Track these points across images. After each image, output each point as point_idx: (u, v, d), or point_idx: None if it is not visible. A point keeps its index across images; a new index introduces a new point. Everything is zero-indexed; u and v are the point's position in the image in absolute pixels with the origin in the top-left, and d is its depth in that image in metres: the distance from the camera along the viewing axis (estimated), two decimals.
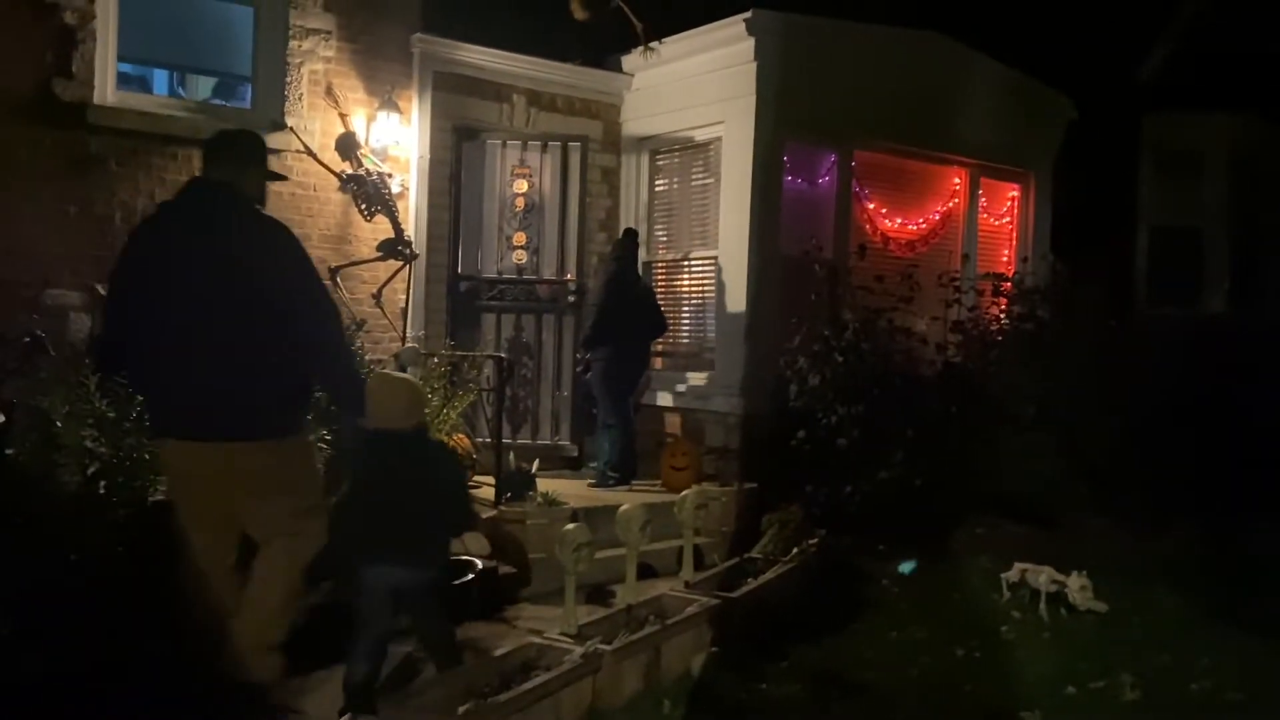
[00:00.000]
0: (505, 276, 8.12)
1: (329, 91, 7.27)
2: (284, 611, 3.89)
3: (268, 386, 3.70)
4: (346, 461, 4.31)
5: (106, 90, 6.51)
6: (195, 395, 3.63)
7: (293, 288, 3.74)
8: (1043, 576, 5.57)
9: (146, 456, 4.62)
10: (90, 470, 4.52)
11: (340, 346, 4.04)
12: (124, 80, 6.84)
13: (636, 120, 8.58)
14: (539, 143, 8.23)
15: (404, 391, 4.03)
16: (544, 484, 6.83)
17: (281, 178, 5.10)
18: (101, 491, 4.51)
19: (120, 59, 6.66)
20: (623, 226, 8.23)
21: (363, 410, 3.91)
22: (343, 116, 7.33)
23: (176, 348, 3.62)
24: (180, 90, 7.89)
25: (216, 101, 7.54)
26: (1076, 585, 5.50)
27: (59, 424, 4.49)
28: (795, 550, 5.98)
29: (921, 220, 8.87)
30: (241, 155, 3.91)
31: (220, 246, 3.65)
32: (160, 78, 7.84)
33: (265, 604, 3.84)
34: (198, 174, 3.80)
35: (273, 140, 7.01)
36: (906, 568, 5.76)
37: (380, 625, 3.92)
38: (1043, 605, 5.49)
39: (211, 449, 3.67)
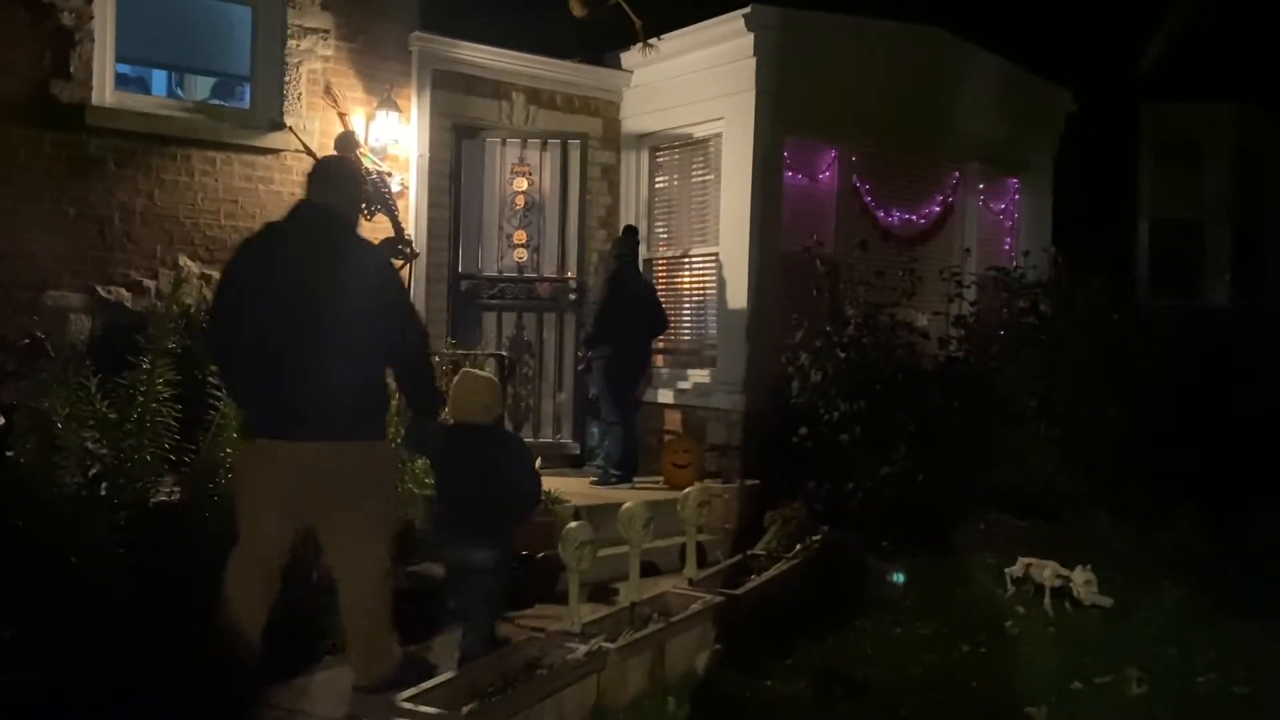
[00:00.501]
0: (506, 275, 8.11)
1: (328, 91, 7.26)
2: (379, 610, 4.09)
3: (357, 392, 3.95)
4: (430, 455, 4.65)
5: (105, 91, 6.51)
6: (292, 398, 3.85)
7: (386, 303, 4.04)
8: (1047, 571, 5.55)
9: (147, 458, 4.61)
10: (91, 472, 4.51)
11: (425, 357, 4.32)
12: (122, 81, 6.83)
13: (636, 117, 8.57)
14: (538, 140, 8.21)
15: (485, 389, 4.49)
16: (546, 482, 6.81)
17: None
18: (103, 493, 4.50)
19: (118, 59, 6.66)
20: (623, 224, 8.22)
21: (438, 416, 4.31)
22: (341, 116, 7.31)
23: (278, 354, 3.84)
24: (178, 91, 7.88)
25: (215, 101, 7.53)
26: (1081, 579, 5.48)
27: (59, 425, 4.48)
28: (798, 547, 5.96)
29: (922, 214, 8.86)
30: (342, 181, 4.19)
31: (322, 263, 3.91)
32: (159, 78, 7.83)
33: (361, 605, 4.05)
34: (303, 197, 4.14)
35: (271, 140, 7.02)
36: (898, 578, 5.75)
37: (470, 597, 4.34)
38: (1047, 600, 5.48)
39: (302, 448, 3.85)
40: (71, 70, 6.34)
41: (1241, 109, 11.34)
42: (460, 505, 4.38)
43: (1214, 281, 11.45)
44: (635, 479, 7.32)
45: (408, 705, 3.57)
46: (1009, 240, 9.61)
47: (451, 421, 4.42)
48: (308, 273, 3.87)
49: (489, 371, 7.01)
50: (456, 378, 4.56)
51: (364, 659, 4.10)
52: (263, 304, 3.87)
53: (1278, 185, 12.08)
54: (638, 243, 7.79)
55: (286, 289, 3.86)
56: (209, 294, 6.65)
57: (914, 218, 8.79)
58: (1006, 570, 5.76)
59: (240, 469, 4.20)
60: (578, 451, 8.14)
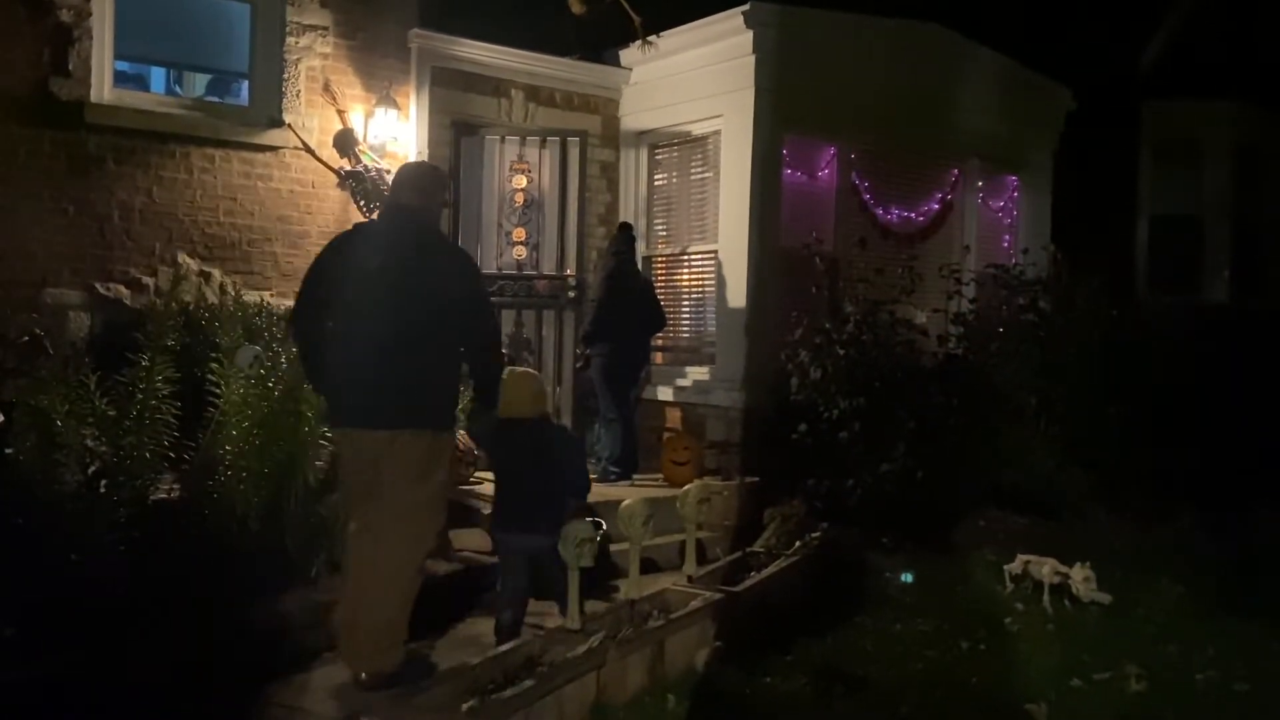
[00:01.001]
0: (505, 272, 8.10)
1: (326, 88, 7.25)
2: (387, 605, 4.13)
3: (436, 384, 4.21)
4: (486, 447, 5.04)
5: (103, 88, 6.50)
6: (376, 389, 4.07)
7: (468, 302, 4.28)
8: (1046, 568, 5.56)
9: (147, 455, 4.61)
10: (91, 469, 4.51)
11: (496, 358, 4.61)
12: (121, 78, 6.82)
13: (635, 114, 8.56)
14: (538, 138, 8.21)
15: (530, 385, 4.85)
16: None
17: None
18: (102, 491, 4.50)
19: (117, 57, 6.65)
20: (622, 221, 8.21)
21: (495, 404, 4.58)
22: (340, 113, 7.31)
23: (365, 348, 4.08)
24: (177, 88, 7.87)
25: (214, 99, 7.51)
26: (1080, 576, 5.49)
27: (59, 423, 4.47)
28: (798, 544, 5.97)
29: (921, 212, 8.85)
30: (428, 186, 4.39)
31: (410, 264, 4.15)
32: (157, 75, 7.82)
33: (369, 594, 4.12)
34: (391, 201, 4.44)
35: (270, 137, 7.02)
36: (906, 577, 5.74)
37: (519, 580, 4.66)
38: (1046, 597, 5.49)
39: (381, 436, 4.07)
40: (70, 68, 6.33)
41: (1241, 107, 11.34)
42: (516, 495, 4.73)
43: (1213, 279, 11.45)
44: (635, 476, 7.32)
45: (409, 702, 3.57)
46: (1008, 238, 9.61)
47: (501, 417, 4.69)
48: (391, 272, 4.10)
49: None
50: (506, 375, 4.73)
51: (360, 649, 4.12)
52: (354, 300, 4.10)
53: (1277, 183, 12.08)
54: (634, 239, 7.79)
55: (370, 286, 4.09)
56: (208, 291, 6.69)
57: (913, 215, 8.79)
58: (1006, 567, 5.76)
59: (338, 454, 4.47)
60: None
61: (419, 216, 4.27)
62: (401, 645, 4.18)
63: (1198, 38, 11.27)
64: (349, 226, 7.21)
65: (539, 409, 4.85)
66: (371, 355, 4.06)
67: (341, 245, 4.33)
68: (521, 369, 5.21)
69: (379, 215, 4.45)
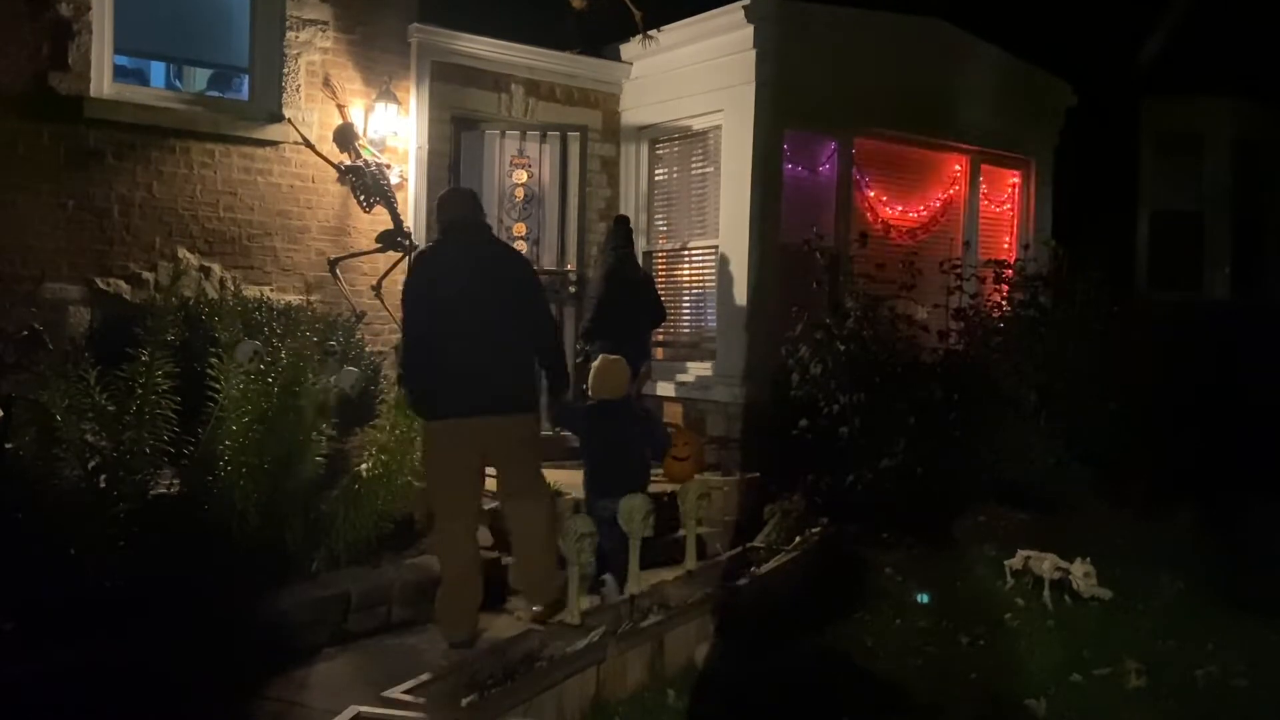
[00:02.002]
0: None
1: (326, 82, 7.24)
2: (551, 547, 4.87)
3: (522, 374, 4.89)
4: (576, 428, 5.74)
5: (103, 83, 6.48)
6: (477, 381, 4.69)
7: (536, 300, 5.00)
8: (1046, 564, 5.56)
9: (146, 450, 4.61)
10: (90, 464, 4.51)
11: (560, 343, 5.34)
12: (121, 73, 6.80)
13: (635, 109, 8.55)
14: (538, 132, 8.19)
15: (622, 371, 5.55)
16: (546, 474, 6.81)
17: None
18: (102, 486, 4.50)
19: (117, 51, 6.62)
20: (618, 214, 8.21)
21: (568, 391, 5.40)
22: (340, 108, 7.29)
23: (464, 345, 4.68)
24: (177, 82, 7.84)
25: (213, 93, 7.50)
26: (1080, 572, 5.49)
27: (58, 418, 4.48)
28: (798, 539, 5.97)
29: (922, 207, 8.84)
30: (478, 205, 5.18)
31: (490, 269, 4.85)
32: (157, 70, 7.79)
33: (537, 543, 4.90)
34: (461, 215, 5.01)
35: (270, 132, 7.01)
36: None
37: (607, 540, 4.97)
38: (1046, 592, 5.48)
39: (486, 423, 4.70)
40: (70, 62, 6.31)
41: (1242, 102, 11.32)
42: (610, 467, 5.39)
43: (1214, 274, 11.43)
44: None
45: (408, 697, 3.57)
46: (1009, 233, 9.60)
47: (594, 400, 5.48)
48: (478, 276, 4.78)
49: None
50: (600, 362, 5.55)
51: (539, 587, 4.90)
52: (443, 304, 4.71)
53: (1278, 179, 12.07)
54: (631, 233, 7.75)
55: (463, 290, 4.73)
56: (208, 286, 6.68)
57: (914, 210, 8.78)
58: (1006, 563, 5.76)
59: (435, 447, 4.86)
60: (577, 444, 8.11)
61: (486, 232, 5.05)
62: (558, 575, 4.77)
63: (1198, 33, 11.23)
64: (350, 221, 7.32)
65: (623, 390, 5.58)
66: (472, 352, 4.67)
67: (428, 256, 5.05)
68: (612, 357, 5.70)
69: (446, 234, 4.97)
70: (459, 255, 4.86)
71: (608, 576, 5.13)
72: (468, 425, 4.70)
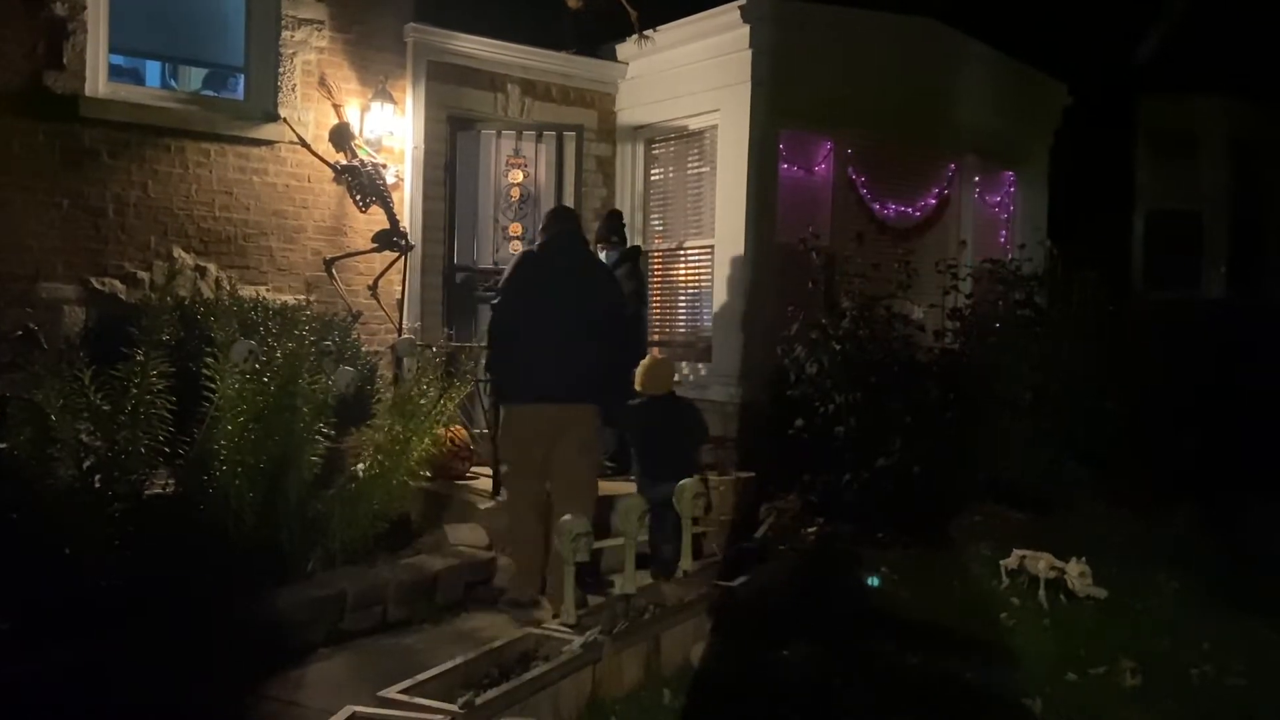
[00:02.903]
0: (501, 267, 8.03)
1: (322, 82, 7.24)
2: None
3: (594, 366, 5.29)
4: (629, 419, 6.09)
5: (98, 82, 6.48)
6: (558, 371, 5.18)
7: (612, 300, 5.52)
8: (1041, 563, 5.56)
9: (142, 450, 4.60)
10: (85, 464, 4.50)
11: (635, 343, 6.07)
12: (116, 72, 6.80)
13: (631, 109, 8.55)
14: (534, 132, 8.19)
15: (666, 368, 6.26)
16: None
17: None
18: (97, 485, 4.49)
19: (112, 50, 6.63)
20: (613, 209, 8.24)
21: (630, 388, 5.92)
22: (336, 107, 7.29)
23: (549, 338, 5.20)
24: (172, 82, 7.84)
25: (209, 93, 7.50)
26: (1075, 571, 5.49)
27: (53, 417, 4.46)
28: (794, 539, 5.96)
29: (918, 206, 8.84)
30: (572, 214, 5.96)
31: (576, 271, 5.41)
32: (153, 69, 7.78)
33: (592, 499, 5.28)
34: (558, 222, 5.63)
35: (266, 131, 7.01)
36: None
37: (668, 521, 5.40)
38: (1042, 592, 5.49)
39: (562, 409, 5.23)
40: (65, 61, 6.30)
41: (1237, 102, 11.35)
42: (663, 455, 5.92)
43: (1210, 273, 11.47)
44: (629, 471, 7.30)
45: (403, 697, 3.57)
46: (1005, 232, 9.61)
47: (643, 395, 5.99)
48: (567, 277, 5.34)
49: (485, 362, 7.03)
50: (648, 361, 6.13)
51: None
52: (536, 300, 5.26)
53: (1274, 178, 12.09)
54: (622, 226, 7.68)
55: (552, 289, 5.28)
56: (203, 286, 6.68)
57: (910, 210, 8.78)
58: (1001, 562, 5.76)
59: (516, 427, 5.40)
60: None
61: (578, 234, 5.60)
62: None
63: (1193, 33, 11.26)
64: (345, 220, 7.32)
65: (670, 386, 6.20)
66: (556, 344, 5.19)
67: (528, 257, 5.50)
68: (661, 356, 6.46)
69: (548, 238, 5.50)
70: (563, 258, 5.42)
71: (668, 548, 5.53)
72: (545, 411, 5.26)
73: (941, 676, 4.50)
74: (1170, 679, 4.47)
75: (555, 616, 4.70)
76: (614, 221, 7.60)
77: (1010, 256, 8.62)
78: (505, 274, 5.51)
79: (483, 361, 7.29)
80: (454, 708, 3.48)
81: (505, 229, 8.11)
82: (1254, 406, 8.32)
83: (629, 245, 7.71)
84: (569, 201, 8.24)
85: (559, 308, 5.25)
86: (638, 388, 6.01)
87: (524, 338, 5.25)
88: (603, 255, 7.37)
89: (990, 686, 4.42)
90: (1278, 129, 11.87)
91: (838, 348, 6.95)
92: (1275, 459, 7.49)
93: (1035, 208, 9.68)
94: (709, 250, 7.96)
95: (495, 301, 5.47)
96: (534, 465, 5.33)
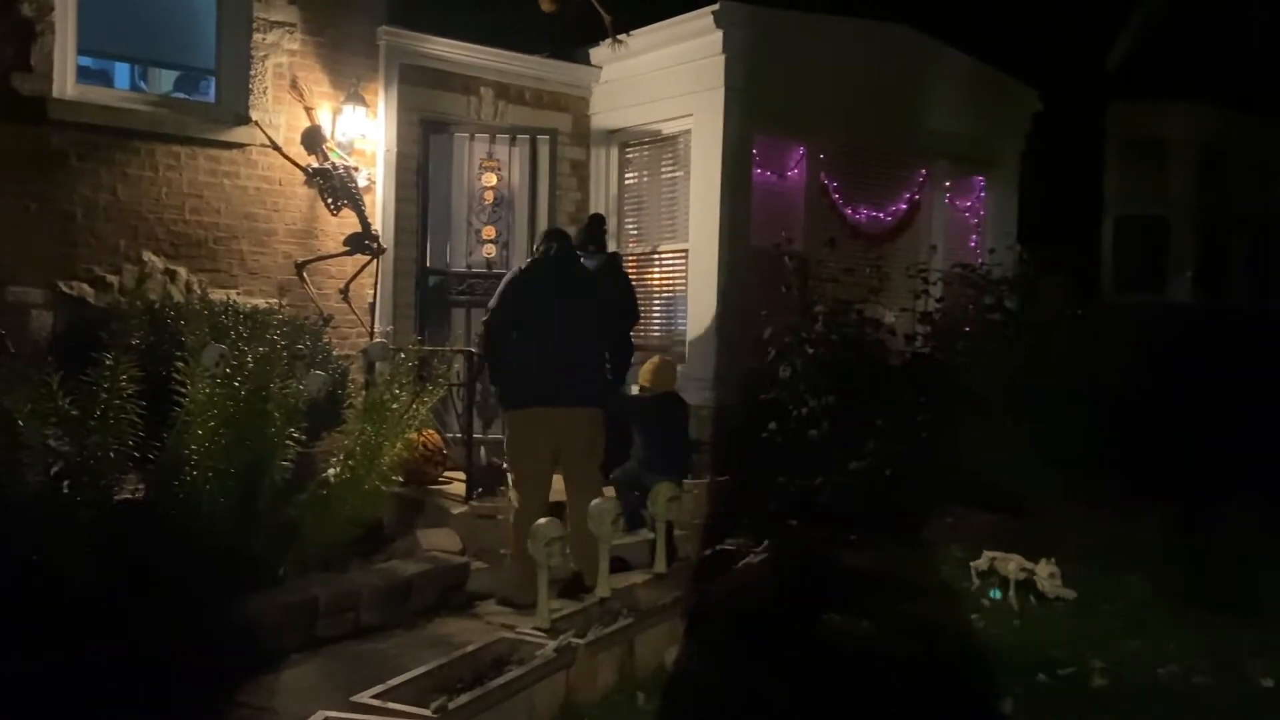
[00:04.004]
0: (474, 270, 8.08)
1: (294, 85, 7.20)
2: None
3: (598, 371, 5.71)
4: (632, 417, 6.44)
5: (66, 84, 6.41)
6: (562, 375, 5.46)
7: (614, 309, 6.00)
8: (1012, 564, 5.61)
9: (111, 455, 4.56)
10: (54, 470, 4.45)
11: (630, 345, 6.15)
12: (85, 74, 6.73)
13: (605, 113, 8.55)
14: (507, 135, 8.19)
15: (671, 368, 6.69)
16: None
17: None
18: (65, 491, 4.45)
19: (81, 52, 6.56)
20: (595, 214, 8.24)
21: (624, 385, 6.33)
22: (308, 110, 7.25)
23: (552, 343, 5.47)
24: (142, 84, 7.78)
25: (179, 95, 7.44)
26: (1045, 573, 5.54)
27: (21, 423, 4.41)
28: (767, 541, 5.99)
29: (889, 211, 8.89)
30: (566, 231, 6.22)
31: (577, 282, 5.74)
32: (122, 71, 7.72)
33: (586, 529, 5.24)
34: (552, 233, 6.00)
35: (237, 134, 6.96)
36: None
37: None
38: (1012, 593, 5.53)
39: (567, 412, 5.48)
40: (32, 63, 6.24)
41: (1205, 108, 11.49)
42: (667, 448, 6.32)
43: (1177, 279, 11.59)
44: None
45: (376, 702, 3.56)
46: (975, 237, 9.67)
47: (651, 394, 6.49)
48: (569, 287, 5.63)
49: (458, 367, 7.03)
50: (653, 361, 6.62)
51: (590, 567, 5.22)
52: (537, 308, 5.52)
53: (1241, 184, 12.26)
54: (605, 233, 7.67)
55: (554, 298, 5.55)
56: (173, 289, 6.62)
57: (881, 215, 8.83)
58: (972, 564, 5.81)
59: (520, 431, 5.56)
60: None
61: (570, 250, 5.83)
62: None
63: (1162, 40, 11.41)
64: (317, 224, 7.29)
65: (674, 384, 6.62)
66: (558, 350, 5.47)
67: (530, 268, 5.69)
68: (667, 357, 6.86)
69: (545, 249, 5.75)
70: (560, 269, 5.69)
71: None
72: (550, 414, 5.50)
73: (911, 678, 4.53)
74: (1138, 679, 4.51)
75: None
76: (594, 230, 7.58)
77: (981, 261, 8.68)
78: (500, 287, 5.67)
79: (457, 369, 7.30)
80: (427, 712, 3.47)
81: (479, 232, 8.10)
82: (1220, 408, 8.43)
83: (608, 252, 7.72)
84: (542, 204, 8.26)
85: (559, 314, 5.53)
86: (646, 385, 6.50)
87: (527, 344, 5.50)
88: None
89: (960, 687, 4.46)
90: (1244, 135, 12.05)
91: (811, 352, 6.99)
92: (1241, 460, 7.59)
93: (1006, 212, 9.76)
94: (683, 255, 7.98)
95: (491, 312, 5.61)
96: (544, 470, 5.55)
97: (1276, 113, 11.81)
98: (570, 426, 5.50)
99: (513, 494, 5.63)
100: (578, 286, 5.70)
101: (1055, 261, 8.16)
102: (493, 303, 5.63)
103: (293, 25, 7.20)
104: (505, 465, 5.82)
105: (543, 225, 8.25)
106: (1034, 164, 9.92)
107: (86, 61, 6.80)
